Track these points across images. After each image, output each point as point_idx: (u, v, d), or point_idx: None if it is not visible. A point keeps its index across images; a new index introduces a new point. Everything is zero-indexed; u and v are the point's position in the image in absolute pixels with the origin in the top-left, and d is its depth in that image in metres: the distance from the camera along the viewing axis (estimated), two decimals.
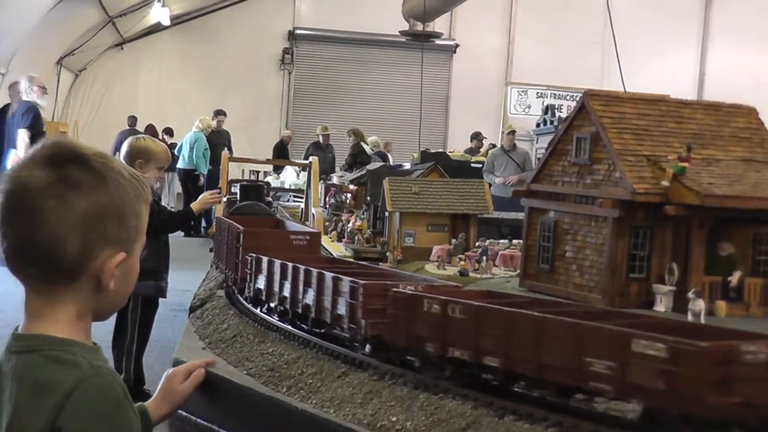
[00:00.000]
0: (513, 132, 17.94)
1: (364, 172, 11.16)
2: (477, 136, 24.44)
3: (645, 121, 5.13)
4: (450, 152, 21.37)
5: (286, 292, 4.42)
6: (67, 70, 27.43)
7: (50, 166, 2.52)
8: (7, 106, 16.74)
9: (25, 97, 16.33)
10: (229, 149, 21.15)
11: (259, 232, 5.31)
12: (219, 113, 23.67)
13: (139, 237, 2.67)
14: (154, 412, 3.39)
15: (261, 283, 4.73)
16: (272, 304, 4.65)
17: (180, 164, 22.08)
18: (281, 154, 24.51)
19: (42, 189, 2.50)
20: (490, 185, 15.35)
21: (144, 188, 2.69)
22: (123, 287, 2.68)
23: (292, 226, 6.63)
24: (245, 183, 7.05)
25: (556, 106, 9.22)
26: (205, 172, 22.36)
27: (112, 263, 2.57)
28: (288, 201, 13.79)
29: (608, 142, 4.98)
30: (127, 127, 23.70)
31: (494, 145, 24.37)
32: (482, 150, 23.32)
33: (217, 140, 22.48)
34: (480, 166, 17.90)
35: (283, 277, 4.47)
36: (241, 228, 5.16)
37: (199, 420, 4.02)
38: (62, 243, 2.50)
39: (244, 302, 5.11)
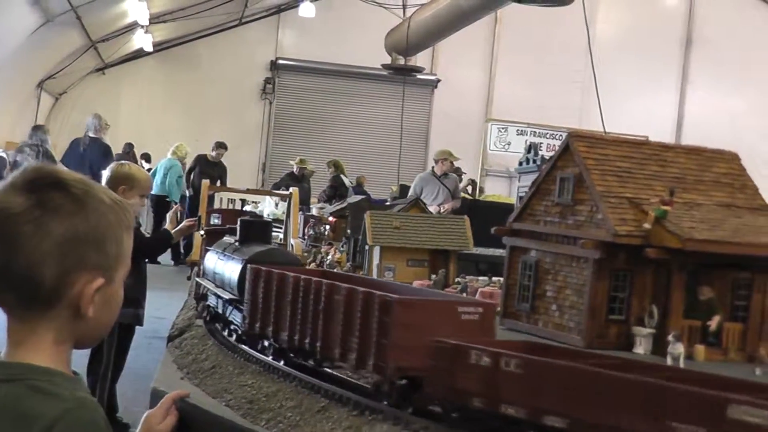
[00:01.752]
0: (448, 160, 17.44)
1: (344, 204, 11.18)
2: (456, 171, 24.51)
3: (628, 164, 5.16)
4: None
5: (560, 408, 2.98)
6: (47, 94, 27.38)
7: (29, 192, 2.51)
8: (77, 140, 17.86)
9: (93, 134, 17.61)
10: (223, 183, 20.62)
11: (417, 303, 3.78)
12: (220, 146, 22.81)
13: (120, 264, 2.64)
14: None
15: (474, 383, 3.24)
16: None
17: (153, 190, 21.83)
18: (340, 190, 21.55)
19: (19, 214, 2.48)
20: None
21: (126, 214, 2.66)
22: (105, 315, 2.64)
23: (395, 286, 4.78)
24: (248, 219, 5.97)
25: (537, 144, 9.14)
26: (178, 200, 22.14)
27: (89, 289, 2.54)
28: None
29: (591, 184, 5.01)
30: (122, 153, 23.69)
31: (473, 181, 24.44)
32: (462, 185, 23.37)
33: (212, 171, 21.72)
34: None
35: (541, 379, 3.03)
36: (394, 297, 3.66)
37: None
38: (39, 269, 2.48)
39: (224, 335, 5.10)
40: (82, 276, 2.53)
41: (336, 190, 19.76)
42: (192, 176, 22.06)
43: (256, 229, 5.63)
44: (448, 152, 17.94)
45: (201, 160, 22.51)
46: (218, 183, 19.86)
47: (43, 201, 2.50)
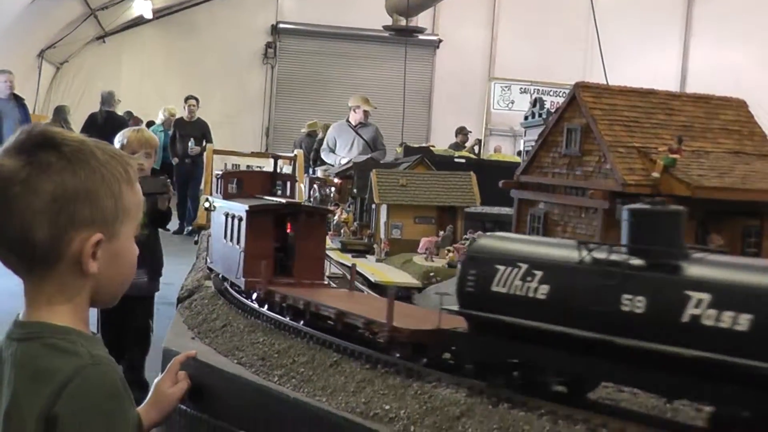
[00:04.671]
0: (366, 111, 15.84)
1: (349, 164, 11.16)
2: (462, 131, 24.40)
3: (635, 113, 5.13)
4: (431, 146, 21.32)
5: None
6: (48, 63, 27.30)
7: (20, 153, 2.52)
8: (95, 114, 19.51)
9: (107, 108, 19.79)
10: (208, 141, 19.11)
11: None
12: (188, 98, 21.27)
13: (122, 218, 2.62)
14: (144, 418, 3.36)
15: None
16: None
17: None
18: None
19: (9, 177, 2.49)
20: (332, 166, 14.10)
21: (126, 168, 2.64)
22: (114, 271, 2.65)
23: None
24: (644, 207, 2.95)
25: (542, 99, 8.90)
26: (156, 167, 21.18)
27: (87, 246, 2.54)
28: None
29: (599, 134, 4.98)
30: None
31: (479, 140, 24.33)
32: (467, 145, 23.28)
33: (187, 131, 20.58)
34: (463, 161, 17.34)
35: None
36: None
37: (188, 410, 4.00)
38: (31, 229, 2.49)
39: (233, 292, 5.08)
40: (78, 233, 2.53)
41: (318, 153, 19.40)
42: (175, 143, 20.88)
43: (663, 223, 2.96)
44: (363, 98, 16.24)
45: (178, 123, 21.17)
46: (203, 143, 18.72)
47: (32, 162, 2.51)
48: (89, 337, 2.62)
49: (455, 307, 3.31)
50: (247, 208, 4.80)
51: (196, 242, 9.83)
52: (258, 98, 30.91)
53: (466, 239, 6.90)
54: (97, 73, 28.86)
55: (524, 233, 5.45)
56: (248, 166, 14.91)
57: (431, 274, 6.18)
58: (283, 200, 5.07)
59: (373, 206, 7.66)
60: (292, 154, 14.81)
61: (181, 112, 21.48)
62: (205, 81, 28.84)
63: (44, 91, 27.67)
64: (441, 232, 7.03)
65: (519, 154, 16.98)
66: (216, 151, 15.12)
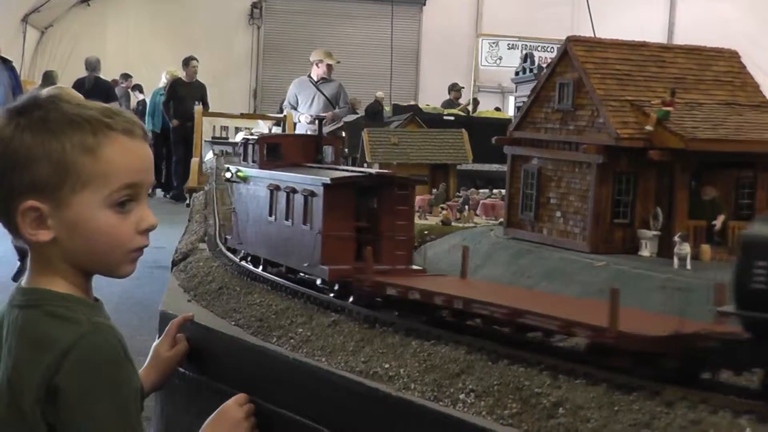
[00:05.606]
0: (330, 65, 15.22)
1: (340, 124, 11.14)
2: (455, 87, 24.10)
3: (628, 66, 5.13)
4: (426, 105, 21.23)
5: None
6: (32, 28, 27.08)
7: (6, 118, 2.53)
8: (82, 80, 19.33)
9: (96, 74, 19.96)
10: (204, 104, 19.01)
11: None
12: (187, 62, 21.05)
13: (73, 187, 2.50)
14: (145, 382, 3.35)
15: None
16: None
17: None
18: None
19: None
20: (295, 124, 13.89)
21: (83, 136, 2.52)
22: (80, 242, 2.55)
23: None
24: None
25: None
26: (151, 129, 20.65)
27: (17, 212, 2.51)
28: None
29: (591, 88, 4.97)
30: (122, 85, 23.67)
31: (476, 100, 24.15)
32: (461, 102, 23.13)
33: (186, 92, 20.36)
34: (452, 118, 17.11)
35: None
36: None
37: (188, 372, 4.00)
38: None
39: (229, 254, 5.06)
40: (19, 200, 2.50)
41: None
42: (171, 105, 20.68)
43: None
44: (325, 52, 15.48)
45: (176, 84, 20.92)
46: (200, 104, 18.03)
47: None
48: (90, 304, 2.60)
49: (730, 308, 2.52)
50: (327, 182, 3.96)
51: (187, 205, 9.82)
52: (245, 59, 30.73)
53: (459, 196, 6.91)
54: (82, 37, 28.62)
55: (518, 190, 5.46)
56: (237, 128, 14.83)
57: (425, 232, 6.17)
58: (372, 170, 4.49)
59: (365, 165, 7.65)
60: (281, 115, 14.73)
61: (180, 74, 21.26)
62: (191, 43, 28.60)
63: (30, 56, 27.47)
64: (434, 190, 7.03)
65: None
66: (205, 114, 15.01)
